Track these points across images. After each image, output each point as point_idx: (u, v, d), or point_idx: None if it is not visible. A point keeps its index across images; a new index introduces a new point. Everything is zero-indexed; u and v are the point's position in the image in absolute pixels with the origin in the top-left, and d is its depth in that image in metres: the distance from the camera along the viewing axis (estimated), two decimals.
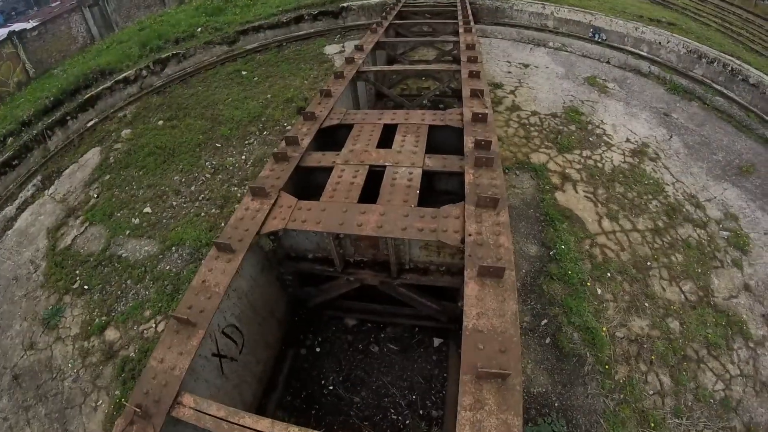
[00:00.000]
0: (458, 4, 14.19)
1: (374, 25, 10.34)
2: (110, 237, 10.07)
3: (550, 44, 15.43)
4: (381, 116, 5.79)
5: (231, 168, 11.53)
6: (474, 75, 6.71)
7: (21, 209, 11.87)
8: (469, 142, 4.81)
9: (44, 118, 14.62)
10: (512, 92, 12.70)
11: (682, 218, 9.34)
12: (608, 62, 14.70)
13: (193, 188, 11.08)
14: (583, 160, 10.40)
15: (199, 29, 18.38)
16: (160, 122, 14.04)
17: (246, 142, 12.45)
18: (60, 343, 8.32)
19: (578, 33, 15.87)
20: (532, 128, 11.25)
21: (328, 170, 4.81)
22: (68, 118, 14.70)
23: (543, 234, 8.65)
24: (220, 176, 11.32)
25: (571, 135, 11.11)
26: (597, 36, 15.53)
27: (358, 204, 4.12)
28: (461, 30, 9.84)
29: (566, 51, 15.11)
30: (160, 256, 9.36)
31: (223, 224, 9.68)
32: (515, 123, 11.39)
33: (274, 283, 4.77)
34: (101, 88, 15.76)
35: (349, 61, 7.76)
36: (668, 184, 10.10)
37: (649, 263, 8.39)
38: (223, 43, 17.43)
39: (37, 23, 24.04)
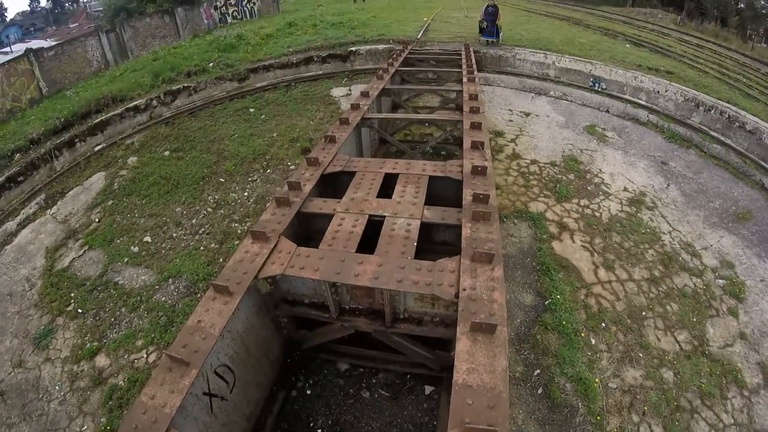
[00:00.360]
0: (463, 53, 14.61)
1: (380, 71, 10.59)
2: (108, 263, 10.05)
3: (552, 93, 15.81)
4: (383, 165, 5.93)
5: (233, 204, 11.55)
6: (475, 126, 6.89)
7: (22, 225, 11.89)
8: (467, 195, 4.92)
9: (53, 138, 14.85)
10: (513, 140, 12.96)
11: (678, 267, 9.41)
12: (608, 111, 15.05)
13: (194, 221, 11.09)
14: (580, 210, 10.55)
15: (211, 64, 18.86)
16: (167, 153, 14.17)
17: (249, 178, 12.54)
18: (49, 364, 8.28)
19: (579, 82, 16.29)
20: (531, 177, 11.44)
21: (329, 217, 4.93)
22: (77, 140, 14.95)
23: (539, 283, 8.70)
24: (221, 211, 11.33)
25: (569, 184, 11.28)
26: (597, 85, 15.94)
27: (356, 254, 4.21)
28: (465, 79, 10.11)
29: (567, 100, 15.48)
30: (157, 287, 9.34)
31: (221, 260, 9.72)
32: (515, 171, 11.59)
33: (269, 325, 4.82)
34: (111, 114, 16.12)
35: (355, 107, 7.96)
36: (665, 233, 10.21)
37: (644, 313, 8.42)
38: (234, 79, 17.86)
39: (54, 43, 24.51)
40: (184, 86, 17.51)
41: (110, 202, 12.09)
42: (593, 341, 7.84)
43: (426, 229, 4.97)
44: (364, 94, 8.68)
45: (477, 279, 3.75)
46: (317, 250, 4.31)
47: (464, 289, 3.66)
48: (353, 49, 18.34)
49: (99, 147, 15.18)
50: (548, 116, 14.42)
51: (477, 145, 6.07)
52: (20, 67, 21.86)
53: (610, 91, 15.80)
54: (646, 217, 10.64)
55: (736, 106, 13.67)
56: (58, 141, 14.59)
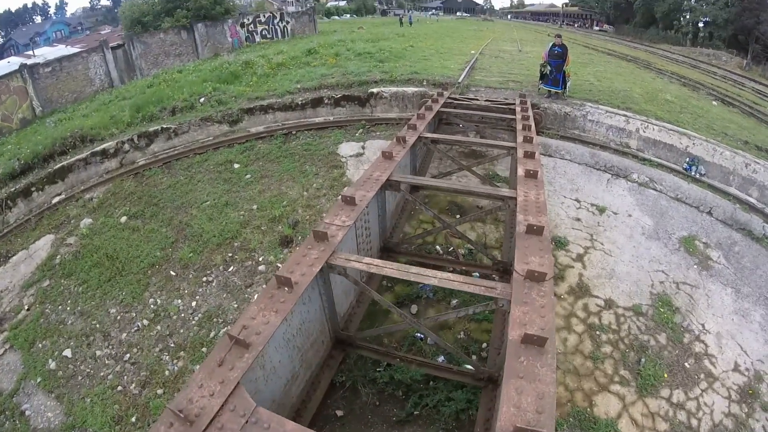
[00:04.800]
0: (517, 107, 11.37)
1: (396, 141, 7.96)
2: (23, 376, 8.64)
3: (634, 176, 11.93)
4: None
5: (174, 318, 9.10)
6: (534, 231, 4.95)
7: None
8: None
9: (10, 183, 13.29)
10: (580, 258, 9.23)
11: None
12: (710, 213, 11.06)
13: (124, 336, 8.97)
14: (672, 412, 6.82)
15: (202, 99, 16.10)
16: (124, 218, 11.90)
17: (204, 278, 9.77)
18: None
19: (670, 161, 12.45)
20: (603, 337, 7.71)
21: None
22: (34, 189, 13.38)
23: None
24: (158, 328, 9.01)
25: (659, 355, 7.57)
26: (694, 170, 12.04)
27: None
28: (519, 154, 7.52)
29: (655, 189, 11.56)
30: None
31: (133, 419, 7.49)
32: (580, 324, 7.86)
33: None
34: (75, 158, 13.99)
35: (349, 201, 5.82)
36: None
37: None
38: (223, 121, 14.95)
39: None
40: (163, 128, 14.80)
41: (46, 283, 10.52)
42: None
43: None
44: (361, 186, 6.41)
45: None
46: None
47: None
48: (375, 90, 15.02)
49: (57, 199, 13.38)
50: (630, 216, 10.59)
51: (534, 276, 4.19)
52: (12, 84, 20.71)
53: (712, 180, 11.86)
54: (760, 425, 6.88)
55: None
56: (13, 189, 13.07)
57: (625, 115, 13.31)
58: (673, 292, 8.74)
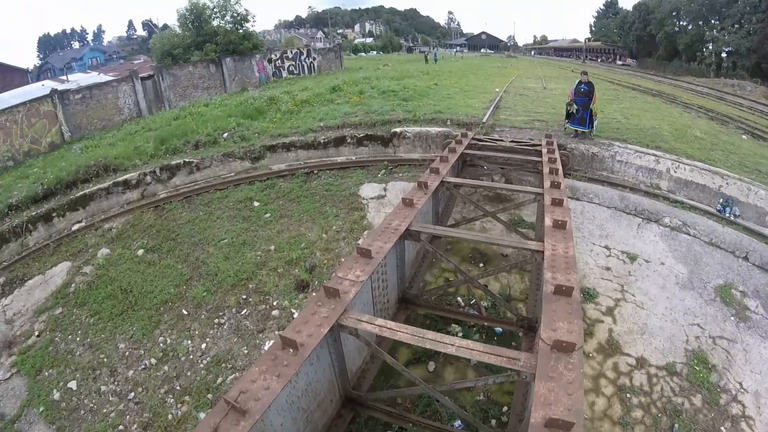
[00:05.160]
0: (543, 148, 11.18)
1: (418, 186, 7.81)
2: (26, 403, 8.57)
3: (666, 220, 11.46)
4: None
5: (182, 359, 8.95)
6: (562, 291, 4.62)
7: None
8: None
9: (32, 207, 13.45)
10: (610, 311, 8.76)
11: None
12: (746, 258, 10.48)
13: (130, 373, 8.82)
14: None
15: (225, 134, 16.17)
16: (141, 251, 11.83)
17: (216, 320, 9.61)
18: None
19: (703, 202, 11.97)
20: (634, 400, 7.22)
21: None
22: (55, 214, 13.31)
23: None
24: (165, 368, 8.86)
25: (694, 420, 7.04)
26: (728, 211, 11.52)
27: None
28: (547, 201, 7.30)
29: (688, 234, 11.06)
30: None
31: None
32: (609, 385, 7.39)
33: None
34: (97, 187, 14.08)
35: (365, 253, 5.55)
36: None
37: None
38: (246, 158, 14.94)
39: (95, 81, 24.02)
40: (185, 161, 14.86)
41: (59, 311, 10.44)
42: None
43: None
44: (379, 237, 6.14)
45: None
46: None
47: None
48: (398, 130, 14.87)
49: (77, 226, 13.33)
50: (663, 263, 10.09)
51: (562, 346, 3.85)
52: (43, 108, 21.43)
53: (747, 222, 11.31)
54: None
55: None
56: (35, 213, 13.13)
57: (654, 155, 12.89)
58: (709, 348, 8.21)
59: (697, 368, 7.78)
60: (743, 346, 8.34)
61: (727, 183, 11.78)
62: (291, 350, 3.96)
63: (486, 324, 7.79)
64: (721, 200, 11.69)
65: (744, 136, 19.10)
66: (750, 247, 10.48)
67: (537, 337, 4.20)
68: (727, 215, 11.44)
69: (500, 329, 7.69)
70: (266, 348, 8.50)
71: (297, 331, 4.18)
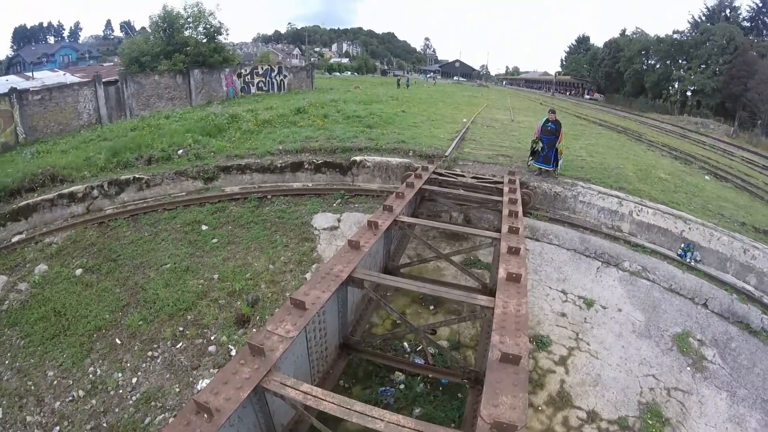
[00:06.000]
0: (505, 186, 11.02)
1: (369, 224, 7.51)
2: None
3: (626, 264, 11.29)
4: None
5: (111, 393, 8.30)
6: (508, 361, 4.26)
7: None
8: None
9: None
10: (563, 361, 8.42)
11: None
12: (705, 305, 10.35)
13: (57, 405, 8.21)
14: None
15: (180, 151, 15.54)
16: (79, 271, 11.16)
17: (150, 352, 8.98)
18: None
19: (664, 246, 11.92)
20: None
21: None
22: None
23: None
24: (93, 402, 8.23)
25: None
26: (689, 256, 11.45)
27: None
28: (503, 248, 7.04)
29: (647, 279, 10.89)
30: None
31: None
32: None
33: None
34: (42, 198, 13.33)
35: (298, 305, 5.06)
36: None
37: None
38: (198, 177, 14.38)
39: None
40: (135, 177, 14.23)
41: None
42: None
43: None
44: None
45: None
46: None
47: None
48: (358, 159, 14.51)
49: (17, 238, 12.58)
50: (620, 310, 9.86)
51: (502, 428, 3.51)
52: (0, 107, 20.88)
53: (708, 267, 11.26)
54: None
55: None
56: None
57: (618, 197, 12.82)
58: (663, 401, 7.92)
59: (650, 422, 7.47)
60: (698, 398, 8.09)
61: (689, 228, 11.74)
62: (205, 416, 3.51)
63: (431, 375, 7.36)
64: (682, 245, 11.64)
65: (707, 177, 19.42)
66: (710, 293, 10.36)
67: (479, 409, 3.81)
68: (688, 260, 11.37)
69: (446, 380, 7.27)
70: (199, 387, 7.99)
71: (215, 393, 3.72)
